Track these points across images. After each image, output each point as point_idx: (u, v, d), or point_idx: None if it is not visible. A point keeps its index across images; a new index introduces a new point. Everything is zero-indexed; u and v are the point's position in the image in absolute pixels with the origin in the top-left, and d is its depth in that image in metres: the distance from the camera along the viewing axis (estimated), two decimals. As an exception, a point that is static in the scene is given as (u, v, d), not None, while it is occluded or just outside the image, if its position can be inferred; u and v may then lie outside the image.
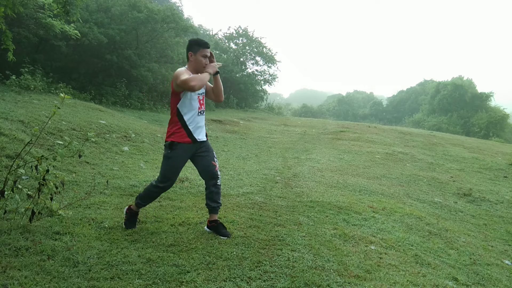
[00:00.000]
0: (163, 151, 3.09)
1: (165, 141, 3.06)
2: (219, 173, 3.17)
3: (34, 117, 6.45)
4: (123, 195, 4.18)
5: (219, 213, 3.34)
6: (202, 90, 3.11)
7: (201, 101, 3.10)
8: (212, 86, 3.22)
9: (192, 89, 2.86)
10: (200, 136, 3.09)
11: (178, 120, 3.01)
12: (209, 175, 3.13)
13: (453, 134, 24.53)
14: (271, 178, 5.95)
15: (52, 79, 12.37)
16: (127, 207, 3.25)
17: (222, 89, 3.19)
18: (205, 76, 2.95)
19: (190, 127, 3.00)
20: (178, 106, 3.00)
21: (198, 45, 3.02)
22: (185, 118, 3.00)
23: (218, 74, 3.14)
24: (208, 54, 3.04)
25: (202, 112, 3.11)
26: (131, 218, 3.19)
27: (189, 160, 3.16)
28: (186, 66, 3.07)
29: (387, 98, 66.36)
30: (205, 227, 3.27)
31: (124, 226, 3.17)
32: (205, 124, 3.20)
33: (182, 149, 3.00)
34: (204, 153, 3.12)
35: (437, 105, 43.94)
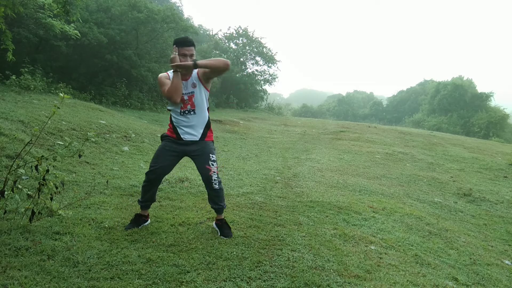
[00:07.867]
0: None
1: None
2: (214, 177, 3.02)
3: (34, 117, 6.45)
4: (123, 195, 4.18)
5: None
6: (191, 90, 2.96)
7: (186, 101, 2.96)
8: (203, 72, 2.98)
9: (176, 103, 2.93)
10: (186, 136, 3.00)
11: (170, 115, 3.14)
12: (203, 178, 3.08)
13: (453, 134, 24.55)
14: (271, 178, 5.94)
15: (52, 79, 12.36)
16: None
17: (178, 89, 2.85)
18: (175, 81, 2.82)
19: (174, 124, 3.06)
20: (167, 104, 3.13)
21: (175, 44, 2.90)
22: (172, 116, 3.09)
23: (178, 72, 2.86)
24: (186, 53, 2.83)
25: (187, 112, 2.98)
26: (136, 219, 3.23)
27: (190, 160, 3.18)
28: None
29: (387, 98, 66.45)
30: (213, 223, 3.32)
31: (125, 228, 3.11)
32: (198, 125, 3.01)
33: (169, 141, 3.09)
34: (197, 156, 3.05)
35: (437, 105, 43.98)
